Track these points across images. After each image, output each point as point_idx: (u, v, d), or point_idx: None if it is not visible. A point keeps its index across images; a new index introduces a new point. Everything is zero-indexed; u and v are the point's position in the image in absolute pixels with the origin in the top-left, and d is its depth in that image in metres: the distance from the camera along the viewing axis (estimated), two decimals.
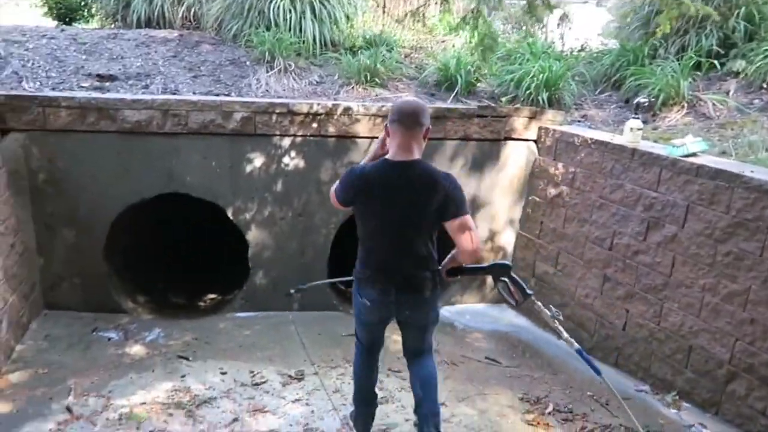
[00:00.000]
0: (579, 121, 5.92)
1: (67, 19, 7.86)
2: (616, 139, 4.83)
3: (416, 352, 3.17)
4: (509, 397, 4.23)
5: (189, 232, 6.65)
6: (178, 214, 6.11)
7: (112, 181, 5.14)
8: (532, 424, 3.86)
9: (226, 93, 5.66)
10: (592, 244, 4.96)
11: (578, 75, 6.58)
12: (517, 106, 5.88)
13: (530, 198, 5.73)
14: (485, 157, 5.64)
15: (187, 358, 4.56)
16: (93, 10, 7.99)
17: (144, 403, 3.83)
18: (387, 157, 2.75)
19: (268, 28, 6.38)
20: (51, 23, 7.85)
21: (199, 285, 6.48)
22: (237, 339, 5.03)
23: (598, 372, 3.03)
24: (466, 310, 5.85)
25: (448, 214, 2.69)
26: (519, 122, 5.61)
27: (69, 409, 3.72)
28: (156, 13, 7.32)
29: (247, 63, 6.32)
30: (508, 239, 5.92)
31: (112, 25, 7.62)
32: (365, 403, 3.34)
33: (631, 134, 4.64)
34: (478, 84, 6.45)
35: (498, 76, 6.42)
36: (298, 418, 3.77)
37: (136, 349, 4.77)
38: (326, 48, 6.64)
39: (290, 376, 4.33)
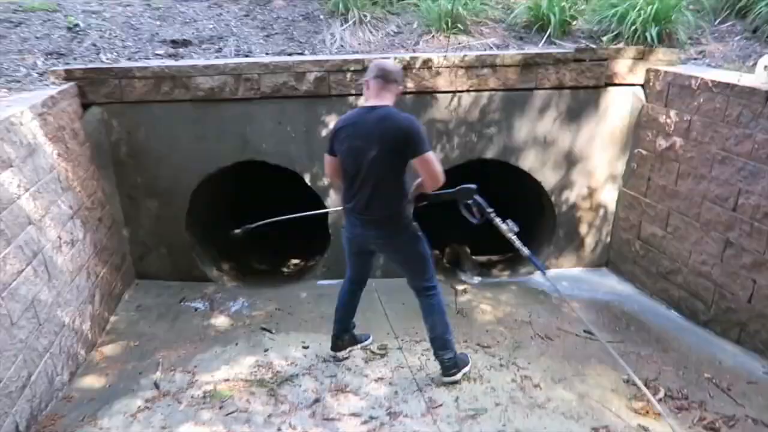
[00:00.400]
0: (696, 59, 5.12)
1: None
2: (744, 80, 4.08)
3: (414, 289, 3.58)
4: (612, 379, 3.81)
5: (268, 198, 6.57)
6: (256, 181, 6.01)
7: (189, 150, 5.07)
8: (640, 413, 3.44)
9: (300, 51, 5.37)
10: (711, 204, 4.31)
11: (694, 2, 5.68)
12: (620, 45, 5.17)
13: (636, 151, 5.08)
14: (582, 107, 5.03)
15: (270, 331, 4.50)
16: None
17: (227, 380, 3.79)
18: (361, 104, 3.22)
19: None
20: None
21: (281, 251, 6.43)
22: (319, 308, 4.91)
23: (543, 270, 3.57)
24: (561, 275, 5.39)
25: (409, 153, 3.02)
26: (622, 65, 4.92)
27: (156, 386, 3.74)
28: None
29: (321, 17, 5.98)
30: (609, 197, 5.33)
31: None
32: (339, 322, 3.93)
33: (765, 74, 3.89)
34: (574, 23, 5.73)
35: (597, 11, 5.67)
36: (381, 399, 3.58)
37: (221, 321, 4.77)
38: None
39: (373, 352, 4.14)
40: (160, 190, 5.23)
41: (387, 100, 3.13)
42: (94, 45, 5.29)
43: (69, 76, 4.78)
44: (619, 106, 5.03)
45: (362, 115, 3.11)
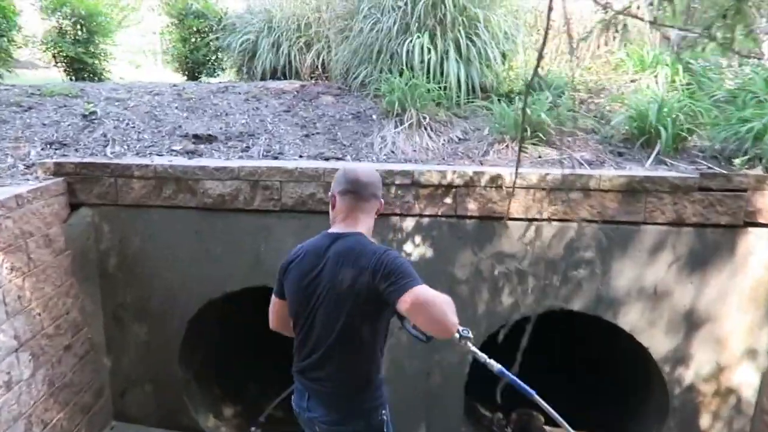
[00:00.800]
0: None
1: (195, 74, 7.35)
2: None
3: None
4: None
5: None
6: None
7: (190, 268, 4.06)
8: None
9: (339, 156, 4.39)
10: None
11: None
12: (760, 172, 3.84)
13: None
14: (711, 252, 3.65)
15: None
16: (224, 64, 7.39)
17: None
18: (329, 229, 2.34)
19: (401, 74, 5.07)
20: (182, 79, 7.41)
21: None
22: None
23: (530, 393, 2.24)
24: None
25: (390, 293, 2.00)
26: None
27: None
28: (282, 63, 6.43)
29: (374, 117, 5.05)
30: (746, 379, 3.79)
31: (238, 78, 6.91)
32: None
33: None
34: (690, 138, 4.48)
35: (722, 125, 4.40)
36: None
37: None
38: (473, 95, 5.14)
39: None
40: (153, 313, 4.20)
41: (361, 224, 2.29)
42: (104, 136, 4.55)
43: (58, 170, 3.98)
44: (764, 253, 3.62)
45: (321, 246, 2.27)
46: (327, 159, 4.35)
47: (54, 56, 6.66)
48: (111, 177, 3.98)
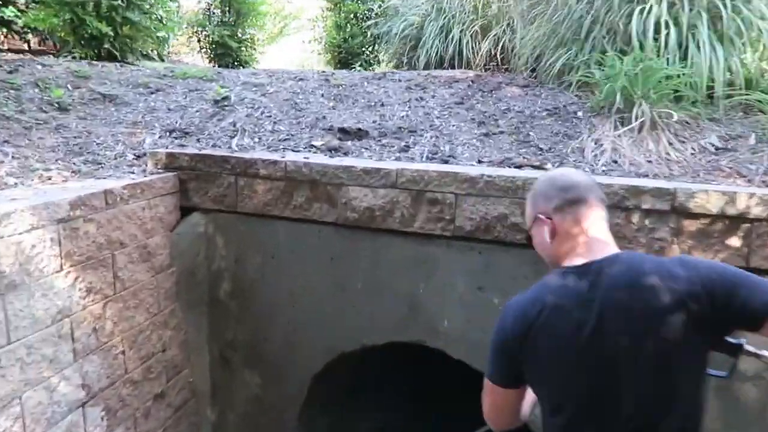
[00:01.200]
0: None
1: (349, 66, 6.41)
2: None
3: None
4: None
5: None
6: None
7: (320, 306, 2.97)
8: None
9: (536, 164, 3.06)
10: None
11: None
12: None
13: None
14: None
15: None
16: (381, 56, 6.38)
17: None
18: (563, 264, 1.48)
19: (621, 56, 3.61)
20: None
21: None
22: None
23: None
24: None
25: (740, 311, 1.31)
26: None
27: None
28: (451, 52, 5.25)
29: (578, 114, 3.67)
30: None
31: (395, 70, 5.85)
32: None
33: None
34: None
35: None
36: None
37: None
38: (733, 88, 3.54)
39: None
40: (268, 359, 3.16)
41: (612, 239, 1.50)
42: (234, 125, 3.65)
43: (171, 162, 3.10)
44: None
45: (579, 289, 1.38)
46: (519, 167, 3.04)
47: (199, 41, 6.09)
48: (231, 175, 3.01)
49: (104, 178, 2.87)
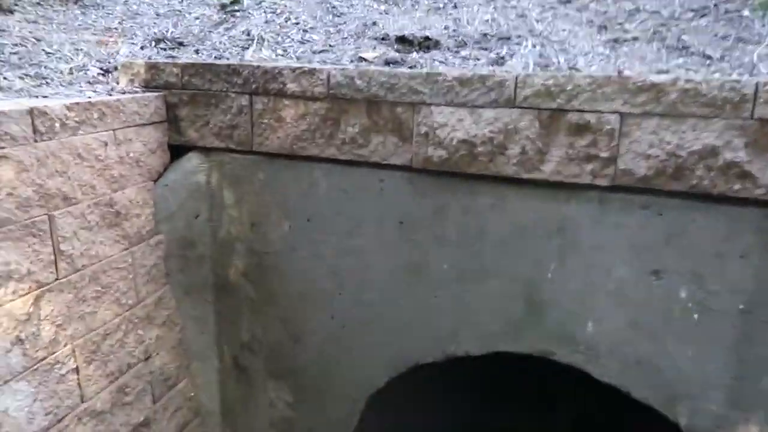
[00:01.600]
0: None
1: None
2: None
3: None
4: None
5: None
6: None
7: (382, 295, 1.93)
8: None
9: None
10: None
11: None
12: None
13: None
14: None
15: None
16: None
17: None
18: None
19: None
20: None
21: None
22: None
23: None
24: None
25: None
26: None
27: None
28: None
29: (744, 13, 2.56)
30: None
31: None
32: None
33: None
34: None
35: None
36: None
37: None
38: None
39: None
40: (302, 369, 2.15)
41: None
42: (247, 33, 2.58)
43: (153, 78, 2.05)
44: None
45: None
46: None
47: None
48: (243, 94, 1.95)
49: (46, 96, 1.83)
